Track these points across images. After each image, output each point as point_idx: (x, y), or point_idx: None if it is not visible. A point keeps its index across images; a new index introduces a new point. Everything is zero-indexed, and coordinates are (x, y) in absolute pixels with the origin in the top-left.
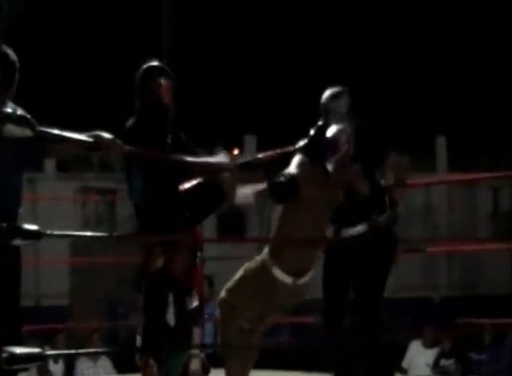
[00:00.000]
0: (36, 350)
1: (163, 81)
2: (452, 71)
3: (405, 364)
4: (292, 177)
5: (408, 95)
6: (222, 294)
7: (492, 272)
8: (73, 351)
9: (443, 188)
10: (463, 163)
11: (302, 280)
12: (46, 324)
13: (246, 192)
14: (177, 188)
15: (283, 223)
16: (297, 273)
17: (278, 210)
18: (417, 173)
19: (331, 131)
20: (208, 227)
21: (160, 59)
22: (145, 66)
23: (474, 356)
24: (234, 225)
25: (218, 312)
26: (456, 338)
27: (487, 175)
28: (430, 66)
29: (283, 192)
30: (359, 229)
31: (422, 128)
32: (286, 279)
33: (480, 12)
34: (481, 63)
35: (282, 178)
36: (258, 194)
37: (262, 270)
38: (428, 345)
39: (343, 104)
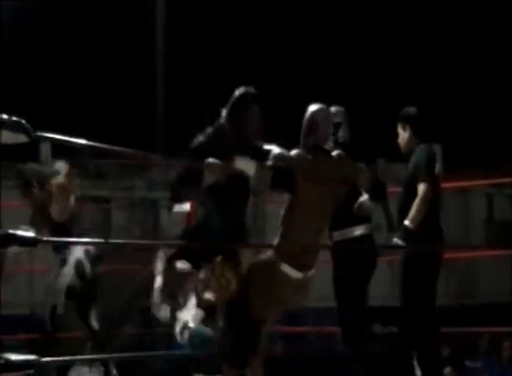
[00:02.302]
0: (31, 357)
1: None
2: (448, 79)
3: None
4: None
5: (402, 103)
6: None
7: (486, 281)
8: (67, 358)
9: None
10: (458, 171)
11: (310, 274)
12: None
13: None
14: None
15: (285, 223)
16: (305, 268)
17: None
18: None
19: (308, 112)
20: None
21: (153, 56)
22: (241, 90)
23: (469, 364)
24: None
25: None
26: (454, 346)
27: (479, 182)
28: (425, 74)
29: (282, 179)
30: (360, 230)
31: None
32: (296, 274)
33: (479, 24)
34: (476, 71)
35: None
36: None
37: (269, 268)
38: None
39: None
